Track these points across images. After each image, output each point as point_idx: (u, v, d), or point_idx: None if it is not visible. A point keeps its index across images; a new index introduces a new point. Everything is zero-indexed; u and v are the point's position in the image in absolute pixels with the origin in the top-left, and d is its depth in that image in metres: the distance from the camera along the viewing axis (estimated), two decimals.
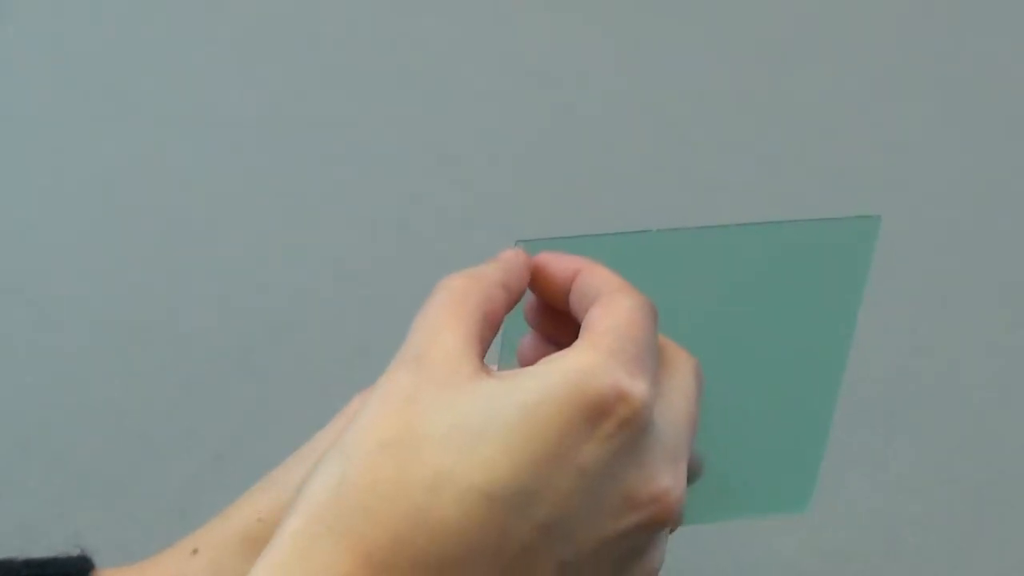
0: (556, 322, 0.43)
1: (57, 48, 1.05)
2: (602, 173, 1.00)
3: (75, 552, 0.43)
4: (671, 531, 0.37)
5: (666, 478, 0.35)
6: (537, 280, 0.43)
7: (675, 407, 0.37)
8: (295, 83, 1.03)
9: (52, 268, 0.88)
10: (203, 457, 0.84)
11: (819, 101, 1.08)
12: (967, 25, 1.16)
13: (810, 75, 1.09)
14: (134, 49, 1.05)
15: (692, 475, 0.43)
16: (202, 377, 0.88)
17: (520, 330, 0.44)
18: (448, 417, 0.34)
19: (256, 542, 0.41)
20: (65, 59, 1.04)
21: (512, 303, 0.40)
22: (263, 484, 0.44)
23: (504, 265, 0.41)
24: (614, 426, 0.33)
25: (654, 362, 0.37)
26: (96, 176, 0.96)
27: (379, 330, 0.93)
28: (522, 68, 1.05)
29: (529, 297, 0.42)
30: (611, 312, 0.37)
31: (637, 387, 0.34)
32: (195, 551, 0.43)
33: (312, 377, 0.89)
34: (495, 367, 0.37)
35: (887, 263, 1.02)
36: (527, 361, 0.42)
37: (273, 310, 0.91)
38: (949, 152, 1.05)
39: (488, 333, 0.38)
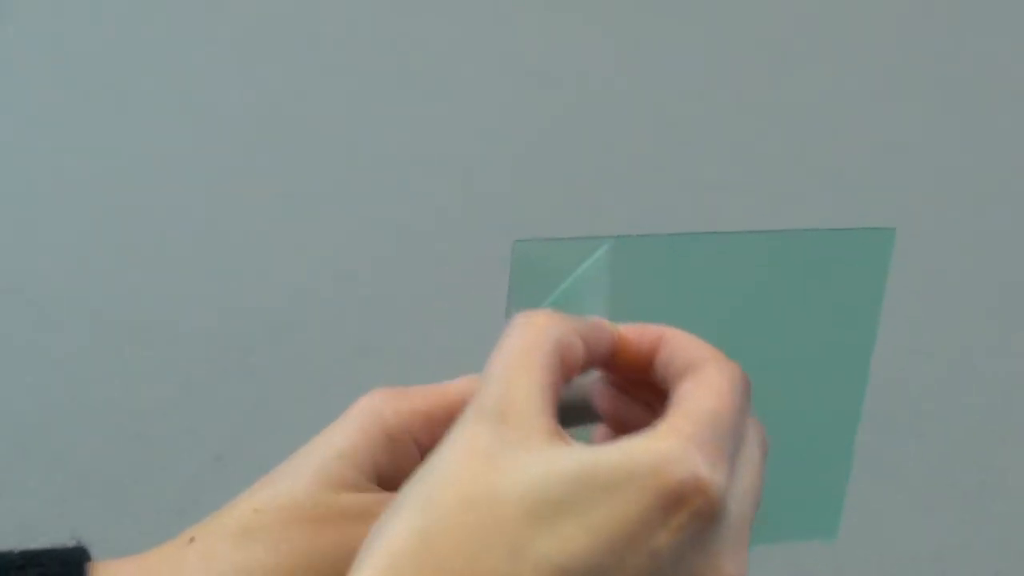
0: (629, 402, 0.43)
1: (57, 48, 1.05)
2: (603, 173, 1.00)
3: (72, 544, 0.43)
4: None
5: (730, 566, 0.36)
6: (619, 352, 0.43)
7: (744, 484, 0.37)
8: (294, 84, 1.03)
9: (52, 268, 0.88)
10: (203, 457, 0.84)
11: (819, 101, 1.08)
12: (969, 25, 1.16)
13: (810, 75, 1.09)
14: (134, 49, 1.05)
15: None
16: (202, 377, 0.88)
17: None
18: (529, 483, 0.34)
19: (250, 531, 0.41)
20: (65, 59, 1.04)
21: (588, 364, 0.40)
22: (262, 482, 0.44)
23: (590, 323, 0.41)
24: (688, 517, 0.34)
25: (737, 442, 0.37)
26: (96, 176, 0.96)
27: (379, 330, 0.93)
28: (522, 68, 1.06)
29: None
30: (701, 389, 0.37)
31: (715, 479, 0.34)
32: (191, 539, 0.43)
33: (312, 377, 0.89)
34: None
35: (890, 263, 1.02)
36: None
37: (273, 310, 0.91)
38: (948, 152, 1.06)
39: (561, 381, 0.38)
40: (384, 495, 0.42)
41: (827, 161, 1.04)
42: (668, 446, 0.35)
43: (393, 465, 0.43)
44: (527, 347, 0.39)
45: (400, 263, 0.93)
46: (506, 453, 0.35)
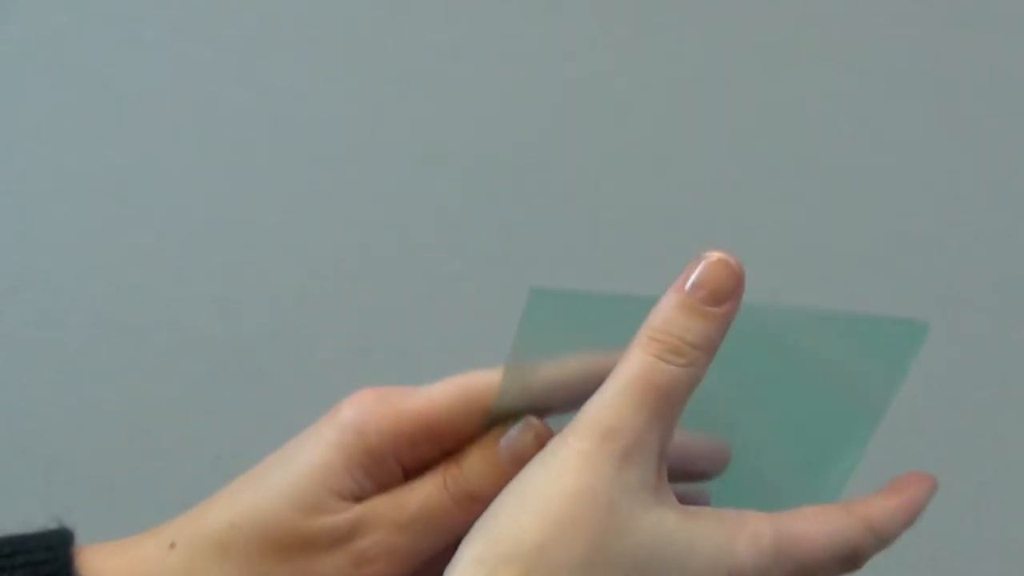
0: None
1: (58, 48, 1.05)
2: (603, 173, 0.99)
3: (54, 527, 0.43)
4: None
5: None
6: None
7: None
8: (295, 83, 1.03)
9: (52, 268, 0.88)
10: (203, 457, 0.84)
11: (819, 100, 1.08)
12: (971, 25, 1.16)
13: (810, 75, 1.09)
14: (135, 49, 1.05)
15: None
16: (202, 378, 0.88)
17: None
18: (642, 555, 0.35)
19: (227, 549, 0.41)
20: (66, 59, 1.04)
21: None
22: (241, 483, 0.44)
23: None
24: None
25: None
26: (97, 176, 0.96)
27: (379, 330, 0.93)
28: (523, 68, 1.05)
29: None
30: (818, 525, 0.40)
31: None
32: (172, 545, 0.43)
33: (312, 377, 0.89)
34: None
35: (886, 263, 1.02)
36: None
37: (273, 310, 0.91)
38: (948, 152, 1.06)
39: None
40: (358, 512, 0.42)
41: (828, 161, 1.04)
42: (755, 553, 0.37)
43: (371, 482, 0.43)
44: (669, 389, 0.38)
45: (400, 263, 0.93)
46: (624, 505, 0.35)
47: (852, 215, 0.99)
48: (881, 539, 0.43)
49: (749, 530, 0.38)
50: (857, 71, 1.09)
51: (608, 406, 0.38)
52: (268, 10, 1.09)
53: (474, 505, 0.40)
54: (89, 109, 1.01)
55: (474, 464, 0.42)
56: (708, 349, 0.39)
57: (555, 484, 0.37)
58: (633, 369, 0.38)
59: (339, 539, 0.40)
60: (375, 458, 0.42)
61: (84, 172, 0.97)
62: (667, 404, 0.38)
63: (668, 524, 0.36)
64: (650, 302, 0.40)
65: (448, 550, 0.40)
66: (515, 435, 0.41)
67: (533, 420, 0.42)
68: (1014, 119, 1.07)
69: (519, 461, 0.40)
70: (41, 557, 0.41)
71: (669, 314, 0.39)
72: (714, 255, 0.40)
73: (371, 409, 0.43)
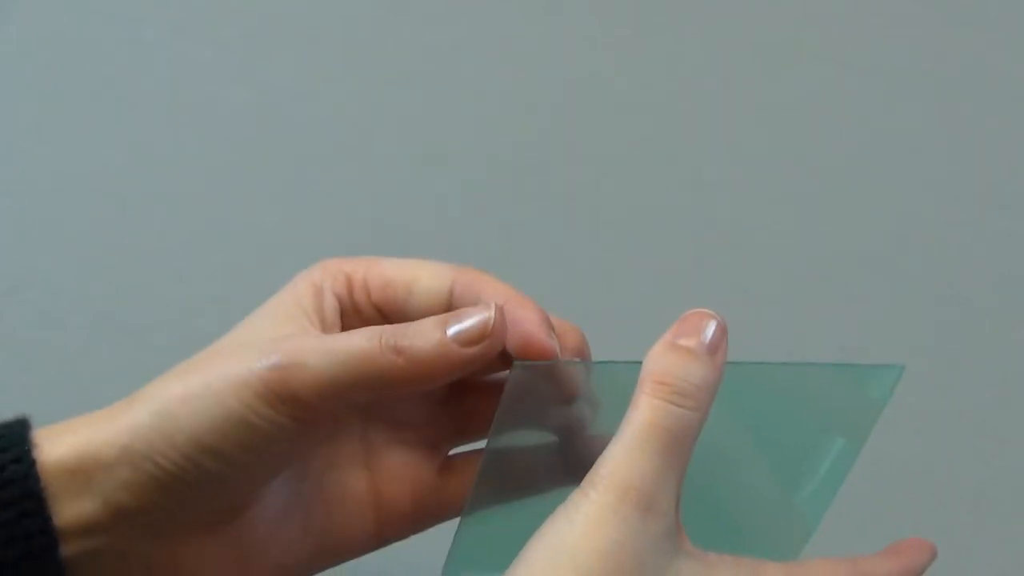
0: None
1: (58, 48, 1.05)
2: (603, 173, 1.00)
3: (12, 418, 0.45)
4: None
5: None
6: None
7: None
8: (295, 83, 1.03)
9: (52, 268, 0.88)
10: None
11: (819, 100, 1.08)
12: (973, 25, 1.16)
13: (810, 75, 1.09)
14: (135, 49, 1.05)
15: None
16: None
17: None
18: None
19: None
20: (66, 59, 1.04)
21: None
22: (188, 366, 0.46)
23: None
24: None
25: None
26: (97, 176, 0.96)
27: None
28: (523, 68, 1.05)
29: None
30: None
31: None
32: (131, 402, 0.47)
33: None
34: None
35: (886, 263, 1.02)
36: None
37: None
38: (949, 151, 1.06)
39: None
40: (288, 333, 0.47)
41: (828, 160, 1.04)
42: None
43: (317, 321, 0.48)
44: (681, 434, 0.39)
45: None
46: (650, 558, 0.36)
47: (852, 215, 0.99)
48: None
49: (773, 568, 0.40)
50: (857, 71, 1.09)
51: (627, 456, 0.39)
52: (268, 10, 1.09)
53: (396, 357, 0.41)
54: (89, 109, 1.01)
55: (416, 327, 0.43)
56: (710, 392, 0.41)
57: (584, 542, 0.38)
58: (645, 415, 0.39)
59: (257, 359, 0.42)
60: (321, 295, 0.48)
61: (84, 172, 0.97)
62: (681, 448, 0.39)
63: (688, 572, 0.38)
64: (625, 366, 0.41)
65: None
66: (466, 326, 0.43)
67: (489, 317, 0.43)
68: (1014, 119, 1.07)
69: (464, 343, 0.42)
70: None
71: (667, 360, 0.41)
72: (699, 310, 0.43)
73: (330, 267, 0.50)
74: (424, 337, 0.42)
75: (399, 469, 0.50)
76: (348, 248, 0.95)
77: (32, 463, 0.41)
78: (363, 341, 0.42)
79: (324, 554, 0.48)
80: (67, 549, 0.42)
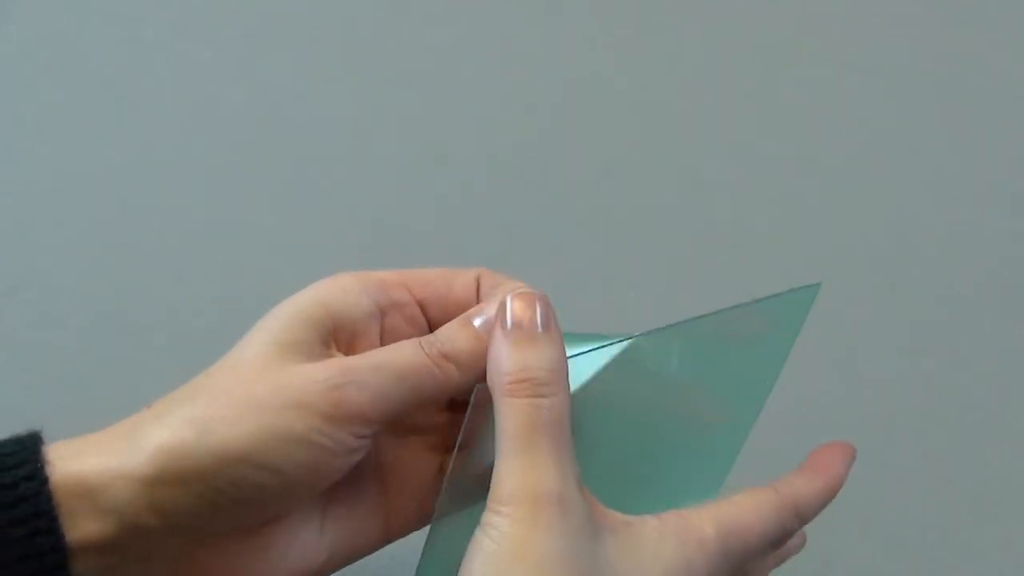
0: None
1: (58, 48, 1.05)
2: (603, 173, 1.00)
3: (25, 433, 0.44)
4: None
5: None
6: None
7: None
8: (295, 83, 1.03)
9: (52, 268, 0.88)
10: None
11: (819, 100, 1.08)
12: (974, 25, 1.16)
13: (810, 75, 1.09)
14: (135, 49, 1.05)
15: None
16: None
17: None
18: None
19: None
20: (66, 59, 1.04)
21: None
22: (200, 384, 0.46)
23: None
24: None
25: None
26: (97, 176, 0.96)
27: None
28: (523, 68, 1.05)
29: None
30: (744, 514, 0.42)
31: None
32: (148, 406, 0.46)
33: None
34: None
35: (886, 263, 1.02)
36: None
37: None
38: (949, 151, 1.06)
39: None
40: (332, 357, 0.46)
41: (828, 160, 1.04)
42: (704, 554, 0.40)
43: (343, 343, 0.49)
44: (555, 423, 0.40)
45: (400, 263, 0.93)
46: (584, 549, 0.37)
47: (852, 215, 0.99)
48: (804, 520, 0.45)
49: (695, 536, 0.40)
50: (857, 71, 1.09)
51: (522, 466, 0.39)
52: (268, 10, 1.09)
53: (446, 363, 0.42)
54: (89, 109, 1.01)
55: (447, 330, 0.44)
56: (563, 368, 0.41)
57: (517, 562, 0.38)
58: (520, 420, 0.40)
59: (315, 380, 0.42)
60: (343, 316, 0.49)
61: (84, 172, 0.97)
62: (563, 434, 0.40)
63: (617, 549, 0.39)
64: (586, 356, 0.42)
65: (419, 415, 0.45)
66: (492, 315, 0.44)
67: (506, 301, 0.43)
68: (1014, 119, 1.07)
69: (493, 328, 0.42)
70: (9, 450, 0.41)
71: (512, 355, 0.41)
72: (514, 292, 0.43)
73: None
74: (459, 337, 0.42)
75: (405, 475, 0.50)
76: (348, 248, 0.95)
77: (45, 480, 0.41)
78: (411, 355, 0.43)
79: (334, 557, 0.49)
80: (80, 567, 0.41)
